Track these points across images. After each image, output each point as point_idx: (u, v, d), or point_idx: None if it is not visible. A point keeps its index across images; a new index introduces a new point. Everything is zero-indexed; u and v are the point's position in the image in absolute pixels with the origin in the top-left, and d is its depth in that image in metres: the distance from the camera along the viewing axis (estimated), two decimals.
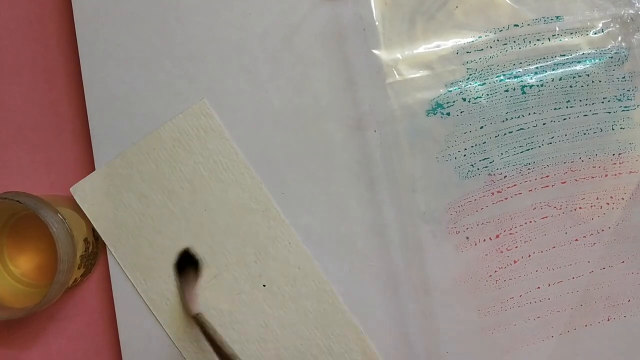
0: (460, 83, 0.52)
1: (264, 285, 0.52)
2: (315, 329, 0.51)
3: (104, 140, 0.52)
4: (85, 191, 0.52)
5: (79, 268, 0.50)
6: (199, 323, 0.48)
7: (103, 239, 0.52)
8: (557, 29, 0.52)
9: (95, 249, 0.52)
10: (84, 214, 0.52)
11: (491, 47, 0.52)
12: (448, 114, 0.52)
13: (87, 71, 0.53)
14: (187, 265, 0.49)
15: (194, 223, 0.52)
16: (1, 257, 0.51)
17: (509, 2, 0.52)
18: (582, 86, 0.52)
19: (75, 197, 0.52)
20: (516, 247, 0.52)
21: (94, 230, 0.52)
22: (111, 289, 0.52)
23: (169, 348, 0.52)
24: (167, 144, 0.52)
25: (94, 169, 0.52)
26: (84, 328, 0.54)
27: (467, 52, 0.52)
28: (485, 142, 0.52)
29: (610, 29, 0.52)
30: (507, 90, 0.52)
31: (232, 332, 0.51)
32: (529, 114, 0.52)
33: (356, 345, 0.51)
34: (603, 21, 0.52)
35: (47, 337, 0.54)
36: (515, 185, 0.52)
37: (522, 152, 0.52)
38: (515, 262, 0.51)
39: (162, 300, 0.52)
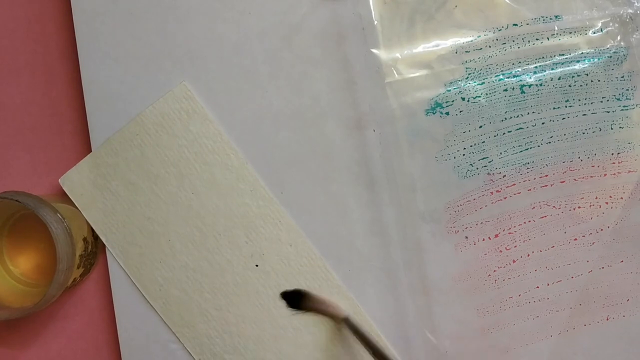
0: (460, 82, 0.52)
1: (257, 266, 0.52)
2: None
3: (103, 140, 0.53)
4: (73, 182, 0.52)
5: (78, 268, 0.50)
6: (350, 326, 0.49)
7: (94, 229, 0.52)
8: (556, 28, 0.52)
9: (95, 248, 0.53)
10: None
11: (490, 47, 0.52)
12: (447, 113, 0.52)
13: (86, 71, 0.53)
14: (296, 298, 0.50)
15: (182, 207, 0.52)
16: (0, 256, 0.51)
17: (508, 1, 0.52)
18: (581, 86, 0.52)
19: (64, 189, 0.52)
20: (515, 246, 0.52)
21: (93, 230, 0.52)
22: (110, 288, 0.52)
23: (168, 347, 0.52)
24: (150, 129, 0.52)
25: None
26: (83, 328, 0.54)
27: (466, 52, 0.52)
28: (484, 142, 0.52)
29: (609, 28, 0.52)
30: (506, 90, 0.52)
31: (228, 315, 0.52)
32: (528, 113, 0.52)
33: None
34: (602, 20, 0.52)
35: (47, 337, 0.54)
36: (514, 184, 0.52)
37: (521, 151, 0.52)
38: (514, 261, 0.52)
39: (155, 287, 0.52)
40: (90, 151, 0.53)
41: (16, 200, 0.46)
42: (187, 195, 0.52)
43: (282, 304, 0.51)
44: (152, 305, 0.52)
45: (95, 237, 0.53)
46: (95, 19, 0.53)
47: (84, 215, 0.52)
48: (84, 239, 0.51)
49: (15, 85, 0.56)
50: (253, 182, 0.52)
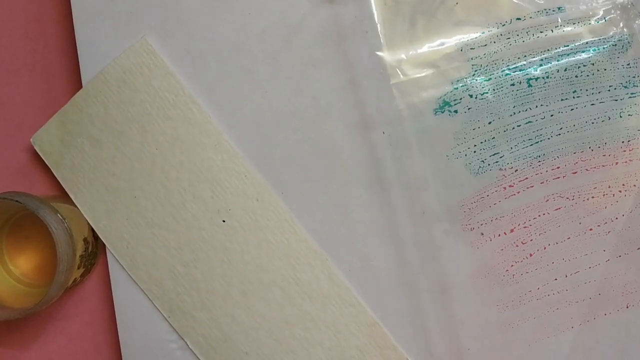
0: (466, 80, 0.54)
1: (224, 221, 0.53)
2: (279, 260, 0.52)
3: None
4: (43, 141, 0.54)
5: (78, 268, 0.51)
6: None
7: (63, 186, 0.53)
8: (559, 19, 0.54)
9: (95, 249, 0.54)
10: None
11: (494, 42, 0.54)
12: (455, 111, 0.54)
13: (86, 71, 0.54)
14: None
15: (146, 162, 0.53)
16: (1, 257, 0.52)
17: None
18: (587, 75, 0.54)
19: (35, 148, 0.54)
20: (531, 240, 0.53)
21: (93, 230, 0.53)
22: (111, 289, 0.53)
23: (168, 347, 0.53)
24: (113, 85, 0.54)
25: None
26: (83, 328, 0.55)
27: (471, 49, 0.54)
28: (494, 137, 0.54)
29: (612, 15, 0.54)
30: (513, 84, 0.54)
31: (195, 271, 0.52)
32: (536, 106, 0.54)
33: (322, 273, 0.52)
34: (604, 8, 0.54)
35: (47, 337, 0.55)
36: (526, 178, 0.53)
37: (531, 145, 0.53)
38: (531, 255, 0.53)
39: (122, 244, 0.53)
40: None
41: (16, 201, 0.47)
42: (150, 150, 0.53)
43: (250, 258, 0.52)
44: (122, 265, 0.53)
45: (96, 238, 0.54)
46: (95, 19, 0.55)
47: (55, 174, 0.53)
48: (85, 240, 0.52)
49: (15, 84, 0.57)
50: (217, 136, 0.53)
